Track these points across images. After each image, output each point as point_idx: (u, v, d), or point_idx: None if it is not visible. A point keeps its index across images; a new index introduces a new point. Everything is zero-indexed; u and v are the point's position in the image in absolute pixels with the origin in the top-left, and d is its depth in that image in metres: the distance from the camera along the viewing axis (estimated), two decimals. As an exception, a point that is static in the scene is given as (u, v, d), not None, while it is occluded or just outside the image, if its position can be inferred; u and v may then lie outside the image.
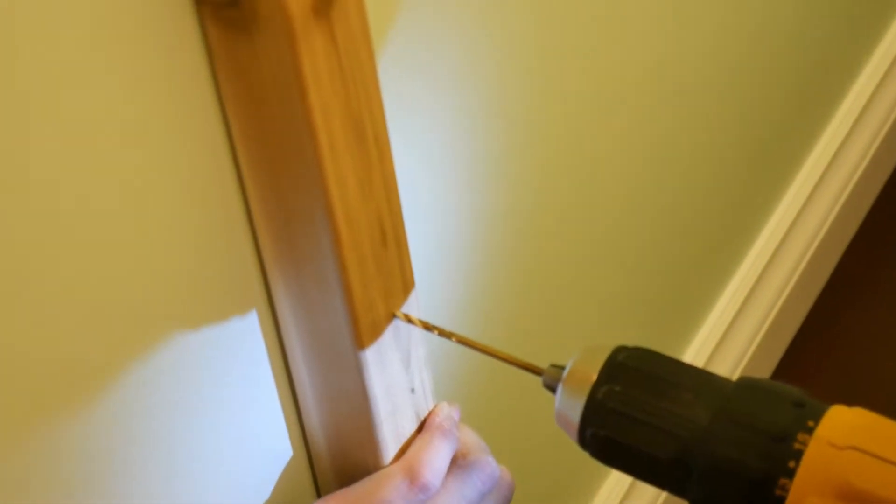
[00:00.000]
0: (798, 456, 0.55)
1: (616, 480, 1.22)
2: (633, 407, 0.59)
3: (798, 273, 1.50)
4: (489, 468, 0.69)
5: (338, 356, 0.65)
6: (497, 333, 0.92)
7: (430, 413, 0.71)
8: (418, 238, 0.71)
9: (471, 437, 0.72)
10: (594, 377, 0.60)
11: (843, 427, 0.55)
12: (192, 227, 0.61)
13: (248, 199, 0.63)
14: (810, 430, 0.55)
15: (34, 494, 0.57)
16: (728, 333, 1.40)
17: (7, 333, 0.54)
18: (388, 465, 0.69)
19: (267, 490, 0.71)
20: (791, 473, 0.54)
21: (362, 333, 0.64)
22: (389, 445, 0.68)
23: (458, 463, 0.70)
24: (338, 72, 0.57)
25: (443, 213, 0.82)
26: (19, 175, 0.52)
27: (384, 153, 0.62)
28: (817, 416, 0.56)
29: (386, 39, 0.70)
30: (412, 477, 0.67)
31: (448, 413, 0.71)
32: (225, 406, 0.66)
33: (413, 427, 0.70)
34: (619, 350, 0.61)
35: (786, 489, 0.54)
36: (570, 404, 0.61)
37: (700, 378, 0.59)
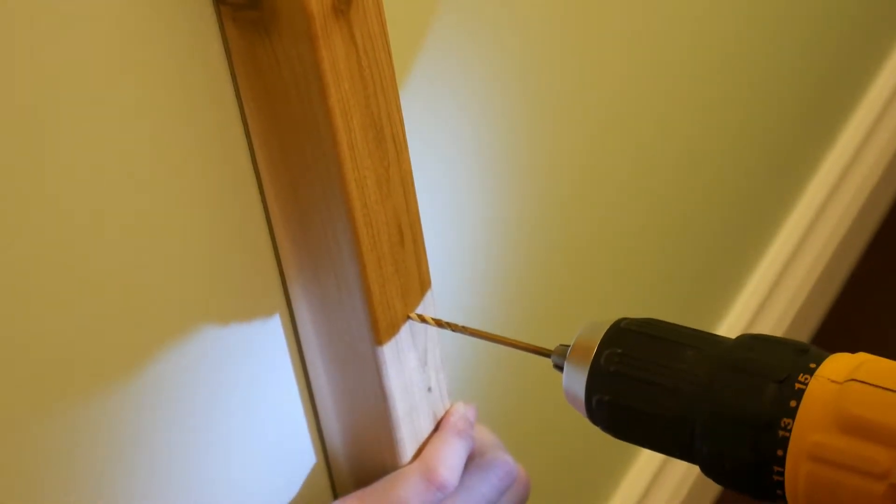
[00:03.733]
0: (799, 395, 0.54)
1: (632, 482, 1.22)
2: (635, 367, 0.59)
3: (815, 277, 1.50)
4: (506, 466, 0.70)
5: (356, 356, 0.66)
6: (514, 330, 0.92)
7: (446, 412, 0.71)
8: (434, 238, 0.72)
9: (487, 436, 0.72)
10: (596, 346, 0.60)
11: (844, 366, 0.55)
12: (210, 226, 0.61)
13: (266, 200, 0.63)
14: (812, 371, 0.55)
15: (60, 476, 0.57)
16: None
17: (38, 324, 0.54)
18: (405, 465, 0.69)
19: (285, 490, 0.71)
20: (793, 413, 0.54)
21: (380, 332, 0.64)
22: (407, 445, 0.69)
23: (475, 461, 0.70)
24: (357, 72, 0.58)
25: (460, 213, 0.82)
26: (45, 174, 0.52)
27: (402, 152, 0.62)
28: (819, 360, 0.55)
29: (416, 52, 0.71)
30: (429, 476, 0.67)
31: (463, 412, 0.71)
32: (247, 407, 0.67)
33: (430, 426, 0.71)
34: (622, 319, 0.61)
35: (788, 429, 0.54)
36: (575, 377, 0.61)
37: (702, 336, 0.59)
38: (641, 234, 1.12)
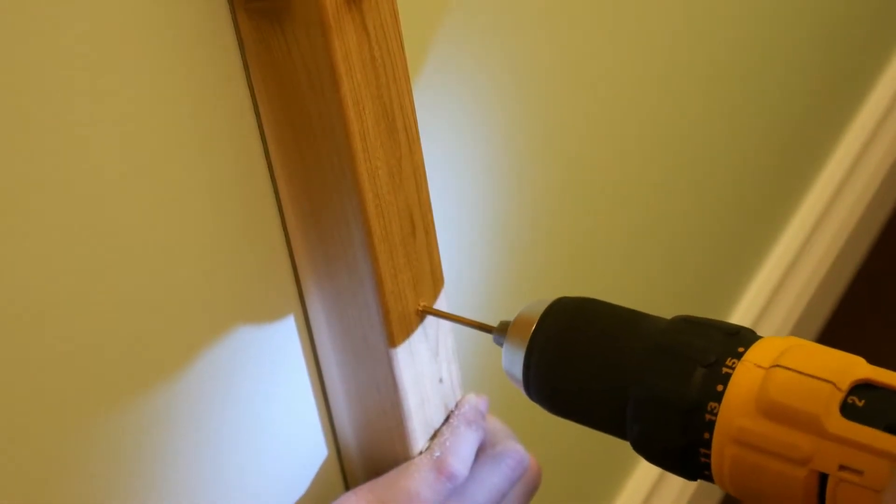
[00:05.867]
0: (726, 380, 0.55)
1: (637, 482, 1.22)
2: (570, 345, 0.60)
3: (820, 276, 1.50)
4: (517, 455, 0.70)
5: (368, 348, 0.66)
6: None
7: (457, 403, 0.72)
8: (445, 230, 0.72)
9: (499, 427, 0.72)
10: (535, 323, 0.61)
11: (770, 351, 0.55)
12: (225, 226, 0.61)
13: (279, 195, 0.63)
14: (740, 356, 0.55)
15: (91, 479, 0.58)
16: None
17: (61, 335, 0.54)
18: (416, 456, 0.69)
19: (297, 483, 0.72)
20: (719, 397, 0.55)
21: (392, 324, 0.64)
22: (418, 436, 0.69)
23: (486, 452, 0.70)
24: (369, 62, 0.58)
25: (463, 208, 0.82)
26: (50, 171, 0.52)
27: (414, 144, 0.63)
28: (748, 344, 0.56)
29: (428, 45, 0.71)
30: (439, 467, 0.67)
31: (475, 403, 0.71)
32: (260, 402, 0.67)
33: (441, 417, 0.71)
34: (562, 298, 0.62)
35: (714, 413, 0.55)
36: (514, 353, 0.62)
37: (637, 316, 0.60)
38: (647, 232, 1.12)
